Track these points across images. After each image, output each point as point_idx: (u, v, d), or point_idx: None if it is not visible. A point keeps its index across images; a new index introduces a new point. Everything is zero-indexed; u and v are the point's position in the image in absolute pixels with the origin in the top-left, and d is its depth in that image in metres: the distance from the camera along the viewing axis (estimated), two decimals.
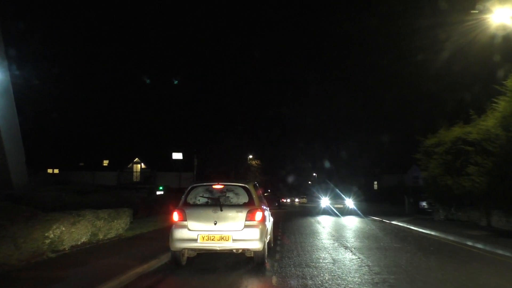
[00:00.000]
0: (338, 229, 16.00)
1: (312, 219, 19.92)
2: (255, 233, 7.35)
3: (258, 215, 7.52)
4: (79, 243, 9.20)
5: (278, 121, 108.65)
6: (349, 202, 28.47)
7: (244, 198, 7.66)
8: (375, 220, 20.55)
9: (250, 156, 48.72)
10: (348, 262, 8.21)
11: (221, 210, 7.42)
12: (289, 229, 15.45)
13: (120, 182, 42.46)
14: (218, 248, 7.41)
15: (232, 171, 41.16)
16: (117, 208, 11.40)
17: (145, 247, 9.46)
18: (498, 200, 14.09)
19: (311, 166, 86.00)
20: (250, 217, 7.42)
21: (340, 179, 50.82)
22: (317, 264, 8.01)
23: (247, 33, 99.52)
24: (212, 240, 7.31)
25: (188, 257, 7.97)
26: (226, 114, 69.27)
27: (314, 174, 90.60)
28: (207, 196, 7.72)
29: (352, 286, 6.19)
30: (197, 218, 7.45)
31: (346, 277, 6.80)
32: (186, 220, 7.44)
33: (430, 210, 22.93)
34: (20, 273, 6.63)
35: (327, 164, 69.74)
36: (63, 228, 8.36)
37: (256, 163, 49.22)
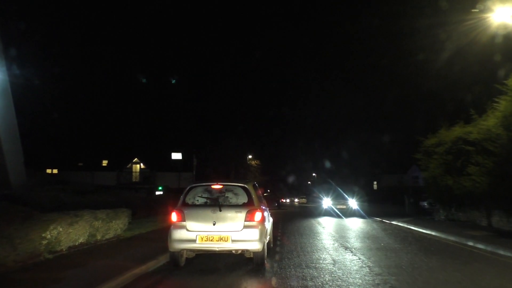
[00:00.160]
0: (339, 229, 15.91)
1: (313, 221, 19.80)
2: (255, 233, 7.27)
3: (258, 215, 7.45)
4: (76, 244, 9.11)
5: (278, 121, 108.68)
6: (353, 203, 27.24)
7: (243, 198, 7.58)
8: (376, 221, 20.47)
9: (250, 156, 48.71)
10: (349, 263, 8.13)
11: (220, 211, 7.34)
12: (288, 230, 15.36)
13: (120, 182, 42.45)
14: (217, 249, 7.33)
15: (231, 171, 41.14)
16: (115, 208, 11.31)
17: (144, 248, 9.39)
18: (499, 200, 14.02)
19: (312, 166, 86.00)
20: (249, 217, 7.34)
21: (341, 179, 50.51)
22: (317, 265, 7.93)
23: (247, 33, 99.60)
24: (211, 240, 7.23)
25: (186, 258, 7.89)
26: (226, 114, 69.42)
27: (314, 174, 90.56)
28: (206, 196, 7.64)
29: None
30: (195, 219, 7.37)
31: (347, 278, 6.73)
32: (184, 221, 7.36)
33: (430, 210, 22.85)
34: (16, 274, 6.56)
35: (327, 164, 69.66)
36: (61, 229, 8.28)
37: (255, 163, 49.20)
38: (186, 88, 77.15)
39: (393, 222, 18.56)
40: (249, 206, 7.46)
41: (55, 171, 44.90)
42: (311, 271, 7.32)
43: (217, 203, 7.46)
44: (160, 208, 19.32)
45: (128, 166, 46.31)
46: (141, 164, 46.35)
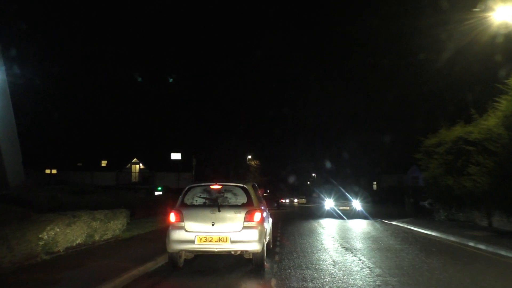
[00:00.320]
0: (339, 230, 15.84)
1: (315, 222, 19.63)
2: (254, 234, 7.19)
3: (257, 216, 7.37)
4: (74, 245, 9.03)
5: (278, 121, 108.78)
6: (357, 204, 26.26)
7: (242, 199, 7.50)
8: (376, 221, 20.41)
9: (249, 157, 48.66)
10: (349, 264, 8.06)
11: (219, 211, 7.26)
12: (288, 231, 15.28)
13: (119, 182, 42.35)
14: (216, 250, 7.25)
15: (231, 172, 41.09)
16: (114, 209, 11.22)
17: (142, 249, 9.31)
18: (500, 200, 13.94)
19: (312, 166, 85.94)
20: (248, 218, 7.26)
21: (341, 180, 50.25)
22: (317, 266, 7.86)
23: (247, 33, 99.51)
24: (210, 241, 7.15)
25: (185, 259, 7.81)
26: (226, 114, 69.29)
27: (313, 175, 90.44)
28: (204, 196, 7.56)
29: None
30: (194, 219, 7.29)
31: (347, 280, 6.65)
32: (183, 221, 7.28)
33: (430, 211, 22.77)
34: (13, 275, 6.47)
35: (327, 164, 69.49)
36: (58, 230, 8.19)
37: (255, 163, 49.16)
38: (185, 88, 77.05)
39: (394, 223, 18.49)
40: (248, 207, 7.38)
41: (54, 171, 44.74)
42: (311, 272, 7.25)
43: (216, 204, 7.37)
44: (159, 209, 19.22)
45: (127, 166, 46.18)
46: (141, 164, 46.22)
